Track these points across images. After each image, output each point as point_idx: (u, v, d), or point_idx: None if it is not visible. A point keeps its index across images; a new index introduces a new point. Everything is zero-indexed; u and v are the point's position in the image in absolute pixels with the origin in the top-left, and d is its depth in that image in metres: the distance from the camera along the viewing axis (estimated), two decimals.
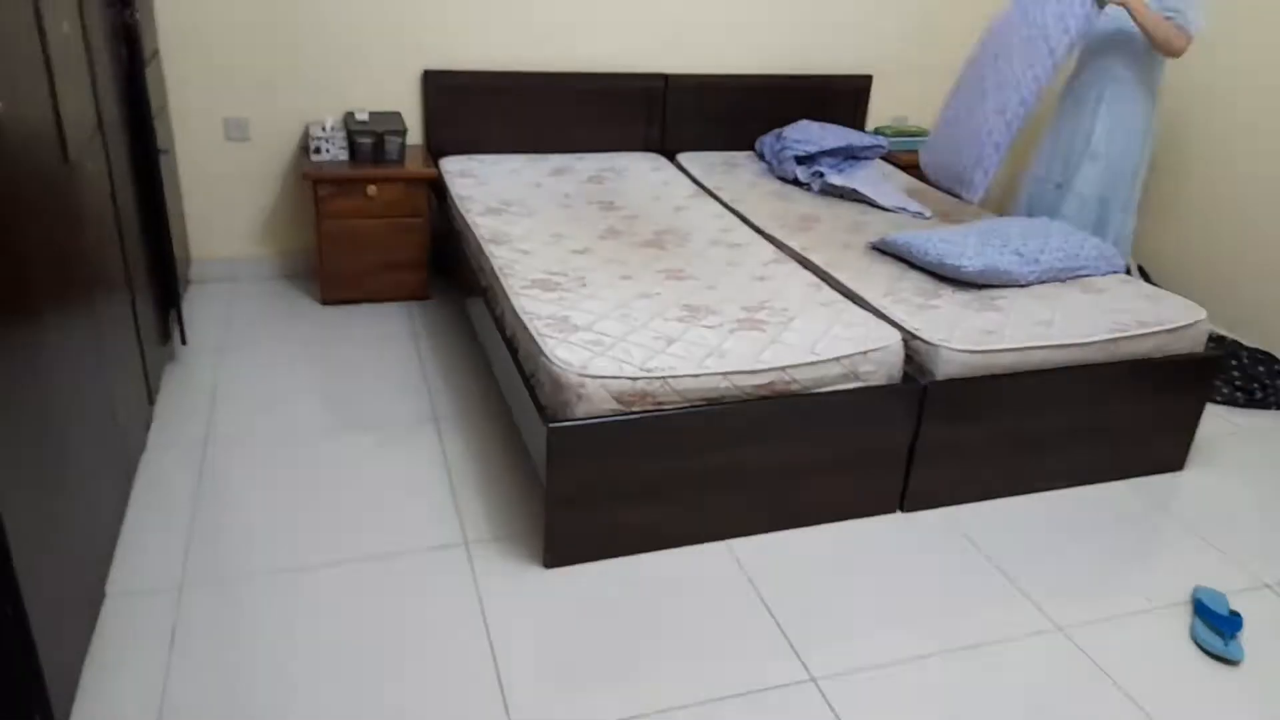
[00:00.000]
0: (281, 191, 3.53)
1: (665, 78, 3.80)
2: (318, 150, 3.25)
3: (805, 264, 2.82)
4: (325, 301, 3.40)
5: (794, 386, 2.22)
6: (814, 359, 2.22)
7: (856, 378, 2.29)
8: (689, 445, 2.14)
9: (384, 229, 3.32)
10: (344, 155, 3.29)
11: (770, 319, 2.37)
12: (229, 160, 3.42)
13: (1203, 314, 2.57)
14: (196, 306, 3.30)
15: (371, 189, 3.24)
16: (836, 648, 1.97)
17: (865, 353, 2.28)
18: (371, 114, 3.42)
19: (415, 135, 3.59)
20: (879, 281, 2.65)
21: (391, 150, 3.29)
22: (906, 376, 2.36)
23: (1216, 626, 2.05)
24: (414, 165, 3.33)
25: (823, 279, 2.70)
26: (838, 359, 2.25)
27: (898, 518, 2.43)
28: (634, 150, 3.85)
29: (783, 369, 2.20)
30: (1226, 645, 2.01)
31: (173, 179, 3.14)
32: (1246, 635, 2.07)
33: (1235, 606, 2.14)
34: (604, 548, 2.18)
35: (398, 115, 3.47)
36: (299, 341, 3.12)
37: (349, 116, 3.39)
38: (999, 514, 2.46)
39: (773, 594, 2.11)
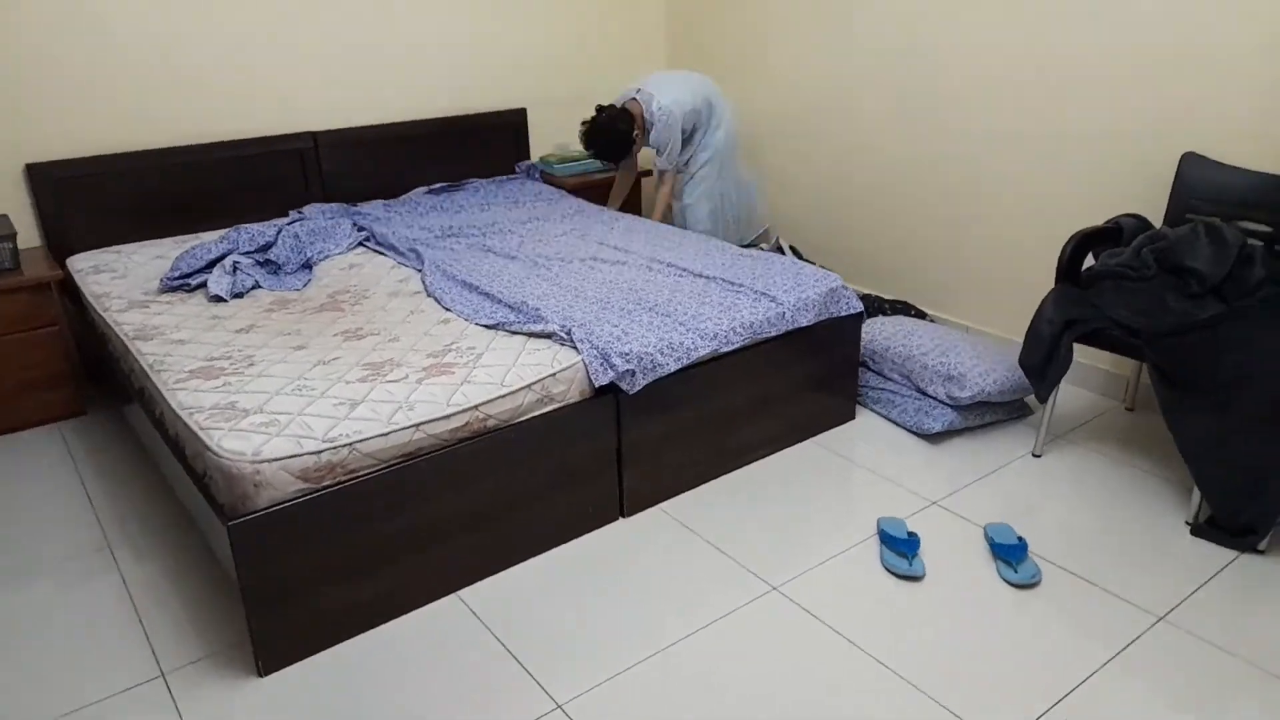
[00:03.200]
0: None
1: (314, 135, 3.67)
2: None
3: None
4: None
5: (490, 422, 2.22)
6: (505, 390, 2.23)
7: (551, 400, 2.33)
8: (391, 507, 2.06)
9: (9, 346, 2.90)
10: None
11: (458, 360, 2.34)
12: None
13: (838, 278, 2.89)
14: None
15: None
16: (582, 668, 1.98)
17: (555, 374, 2.33)
18: None
19: (31, 237, 3.18)
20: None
21: (1, 258, 2.89)
22: (600, 389, 2.42)
23: (899, 550, 2.31)
24: (34, 270, 2.95)
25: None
26: (529, 385, 2.27)
27: (620, 524, 2.50)
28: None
29: (475, 408, 2.18)
30: (910, 564, 2.27)
31: None
32: (924, 550, 2.35)
33: (912, 528, 2.43)
34: (324, 637, 2.04)
35: (4, 218, 3.06)
36: None
37: None
38: (710, 496, 2.61)
39: (511, 634, 2.08)
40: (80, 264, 3.11)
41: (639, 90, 3.67)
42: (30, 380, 2.97)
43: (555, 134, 4.39)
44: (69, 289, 3.09)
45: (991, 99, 3.27)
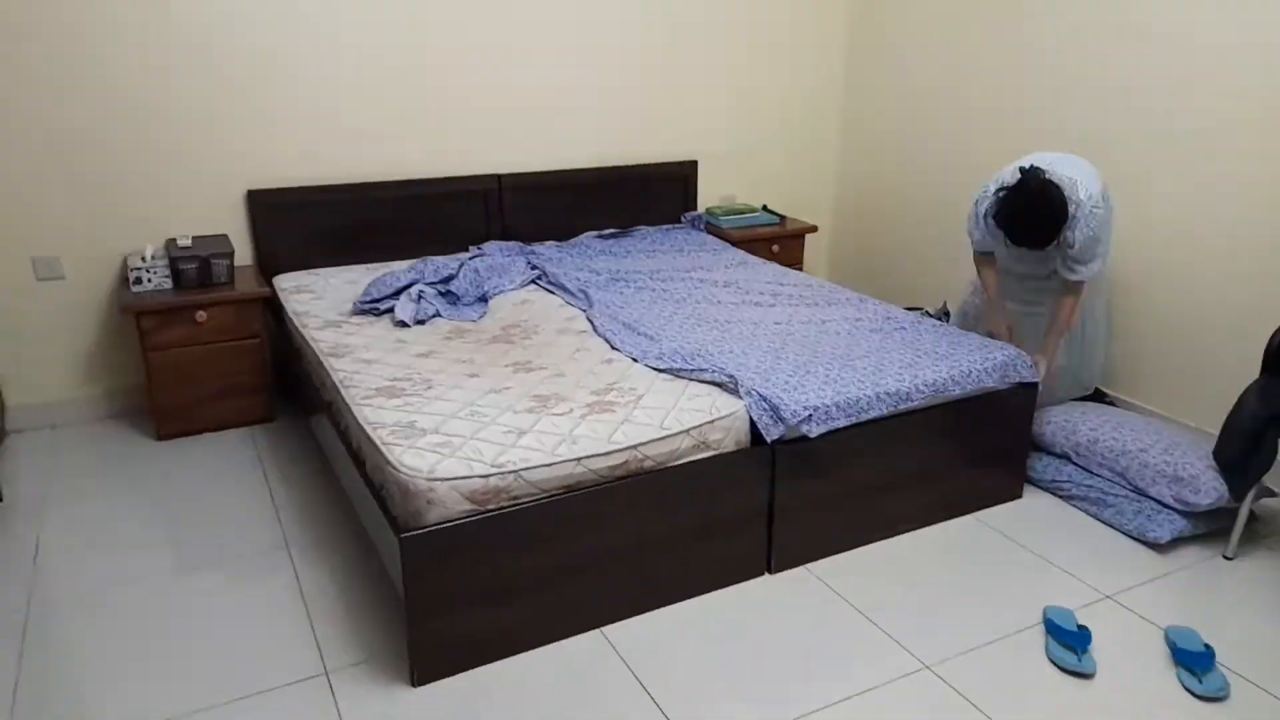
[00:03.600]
0: (104, 327, 3.35)
1: (498, 177, 3.88)
2: (138, 281, 3.12)
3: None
4: (160, 437, 3.22)
5: (647, 463, 2.25)
6: (663, 433, 2.26)
7: (707, 446, 2.34)
8: (549, 536, 2.11)
9: (217, 354, 3.19)
10: (168, 283, 3.17)
11: (619, 400, 2.40)
12: (42, 300, 3.24)
13: (1012, 348, 2.77)
14: (15, 458, 3.05)
15: (201, 315, 3.12)
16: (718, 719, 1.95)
17: (713, 421, 2.34)
18: (195, 238, 3.32)
19: (245, 256, 3.50)
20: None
21: (219, 273, 3.19)
22: (757, 439, 2.42)
23: (1068, 643, 2.16)
24: (245, 286, 3.24)
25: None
26: (687, 430, 2.29)
27: (766, 580, 2.46)
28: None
29: (634, 447, 2.22)
30: (1080, 660, 2.12)
31: None
32: (1096, 646, 2.19)
33: (1082, 621, 2.27)
34: (474, 656, 2.10)
35: (224, 238, 3.39)
36: (133, 482, 2.93)
37: (170, 243, 3.28)
38: (861, 562, 2.53)
39: (651, 676, 2.08)
40: (285, 283, 3.40)
41: (1036, 168, 2.75)
42: (231, 386, 3.25)
43: (721, 186, 4.46)
44: (271, 306, 3.37)
45: (1199, 168, 3.07)
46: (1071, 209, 2.68)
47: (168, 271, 3.16)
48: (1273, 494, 2.77)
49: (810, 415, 2.39)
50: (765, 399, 2.39)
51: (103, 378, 3.40)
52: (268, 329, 3.31)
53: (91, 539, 2.60)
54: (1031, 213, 2.70)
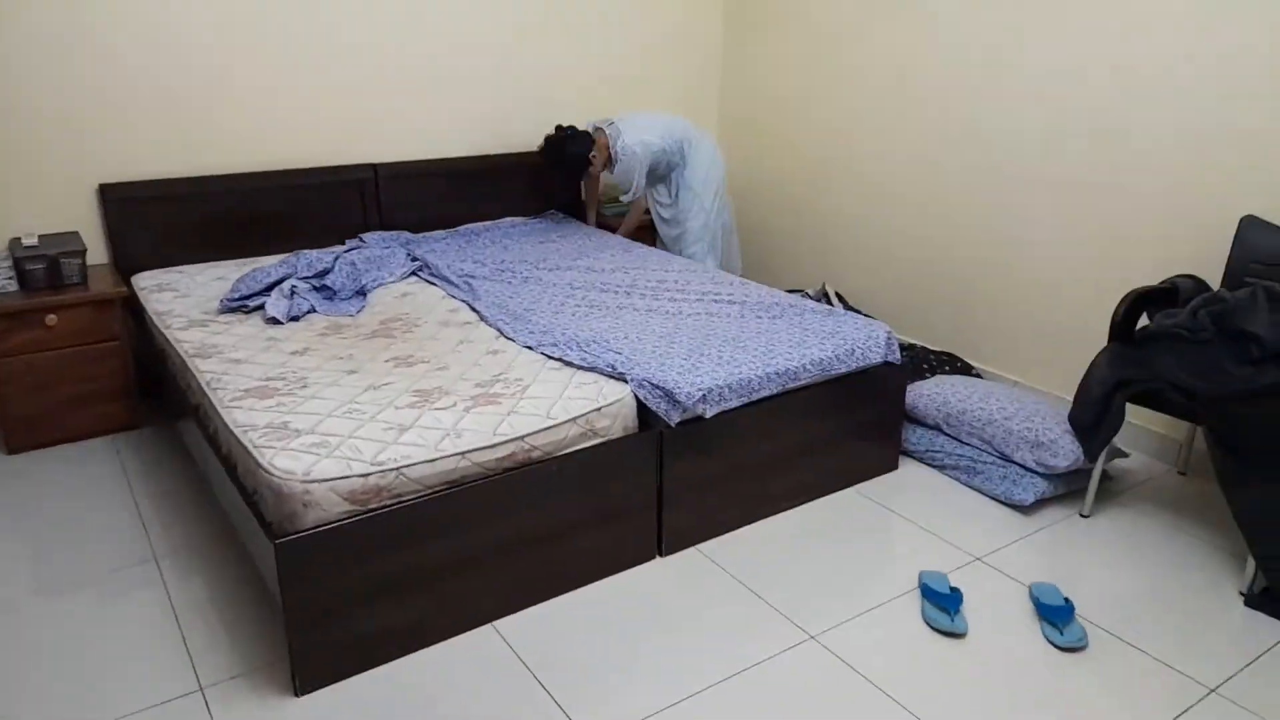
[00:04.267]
0: None
1: (375, 167, 3.77)
2: None
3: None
4: (12, 450, 3.00)
5: (535, 454, 2.23)
6: (550, 423, 2.25)
7: (595, 434, 2.34)
8: (434, 533, 2.07)
9: (72, 359, 2.99)
10: (13, 285, 2.95)
11: (505, 391, 2.37)
12: None
13: (885, 327, 2.88)
14: None
15: (51, 318, 2.92)
16: (615, 706, 1.96)
17: (600, 409, 2.34)
18: (41, 237, 3.10)
19: (99, 254, 3.29)
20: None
21: (69, 273, 2.99)
22: (645, 424, 2.44)
23: (942, 605, 2.27)
24: (100, 285, 3.05)
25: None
26: (574, 419, 2.29)
27: (658, 563, 2.49)
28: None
29: (521, 438, 2.20)
30: (952, 620, 2.23)
31: None
32: (968, 606, 2.30)
33: (955, 583, 2.38)
34: (360, 660, 2.05)
35: (74, 235, 3.17)
36: None
37: (14, 242, 3.05)
38: (748, 540, 2.59)
39: (544, 667, 2.08)
40: (144, 282, 3.21)
41: (610, 124, 3.87)
42: (89, 393, 3.05)
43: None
44: (131, 306, 3.18)
45: (1049, 149, 3.26)
46: (614, 152, 3.83)
47: (11, 272, 2.95)
48: (1123, 454, 2.97)
49: (704, 396, 2.42)
50: (658, 385, 2.41)
51: None
52: (128, 331, 3.12)
53: None
54: (554, 153, 3.90)
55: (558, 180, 4.21)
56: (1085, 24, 3.07)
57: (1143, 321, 2.72)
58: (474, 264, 3.50)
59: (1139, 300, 2.68)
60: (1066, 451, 2.73)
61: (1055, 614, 2.23)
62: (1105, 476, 2.91)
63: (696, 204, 3.96)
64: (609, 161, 3.89)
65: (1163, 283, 2.74)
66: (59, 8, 3.04)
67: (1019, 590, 2.39)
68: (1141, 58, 2.94)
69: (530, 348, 2.66)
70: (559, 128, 3.91)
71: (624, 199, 4.03)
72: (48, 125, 3.11)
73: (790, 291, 3.74)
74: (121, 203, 3.27)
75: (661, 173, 3.98)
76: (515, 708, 1.96)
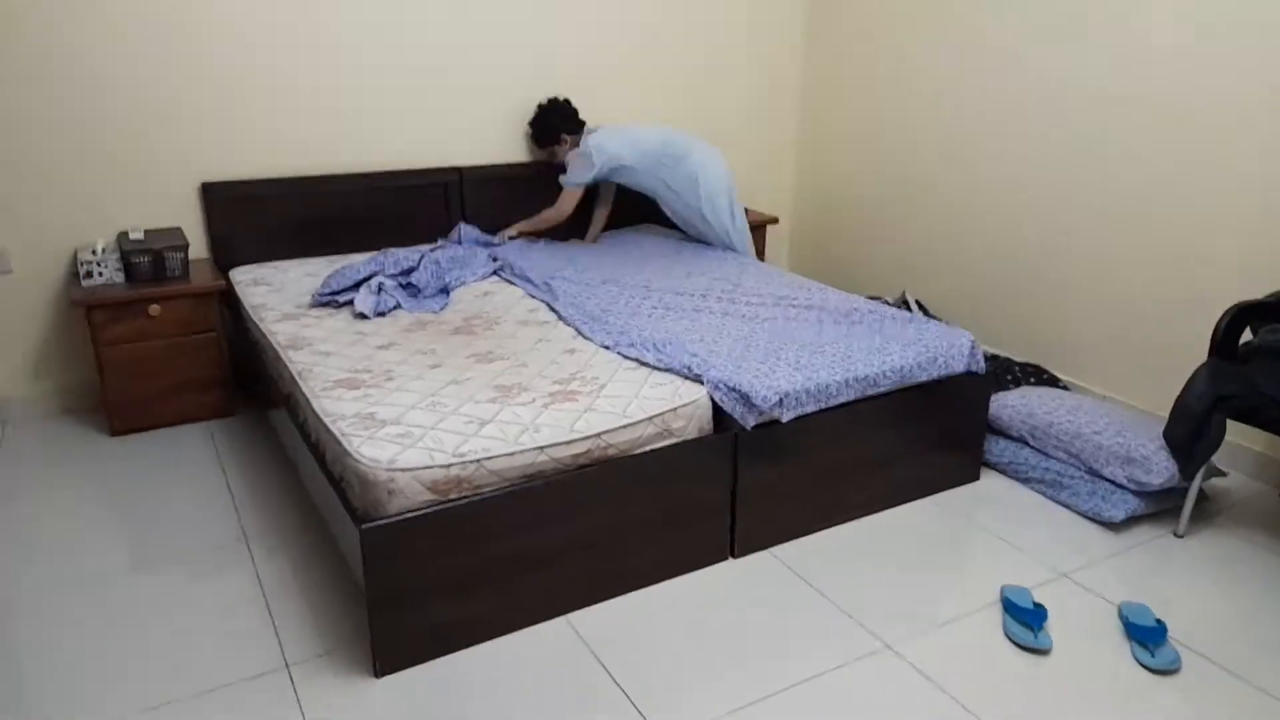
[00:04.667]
0: (54, 322, 3.28)
1: (459, 170, 3.85)
2: (89, 275, 3.05)
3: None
4: (115, 433, 3.15)
5: (610, 451, 2.25)
6: (626, 421, 2.26)
7: (670, 434, 2.35)
8: (512, 525, 2.11)
9: (172, 349, 3.13)
10: (120, 277, 3.11)
11: (582, 389, 2.40)
12: None
13: (969, 335, 2.81)
14: None
15: (154, 308, 3.06)
16: (686, 704, 1.96)
17: (675, 409, 2.35)
18: (148, 231, 3.26)
19: (200, 249, 3.44)
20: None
21: (173, 266, 3.14)
22: (720, 426, 2.43)
23: (1024, 620, 2.20)
24: (200, 279, 3.19)
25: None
26: (649, 418, 2.30)
27: (730, 564, 2.48)
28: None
29: (597, 435, 2.22)
30: (1036, 637, 2.16)
31: None
32: (1052, 623, 2.23)
33: (1038, 599, 2.31)
34: (437, 646, 2.09)
35: (177, 230, 3.33)
36: (87, 479, 2.87)
37: (122, 236, 3.21)
38: (822, 545, 2.56)
39: (617, 662, 2.09)
40: (241, 276, 3.35)
41: (597, 129, 3.79)
42: (188, 381, 3.19)
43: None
44: (228, 299, 3.32)
45: (1148, 152, 3.14)
46: (583, 143, 3.74)
47: (119, 265, 3.10)
48: (1221, 474, 2.84)
49: (780, 400, 2.41)
50: (734, 388, 2.40)
51: (53, 373, 3.33)
52: (224, 323, 3.26)
53: (44, 538, 2.55)
54: (538, 118, 3.90)
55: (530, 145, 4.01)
56: (1166, 41, 2.96)
57: (1246, 337, 2.60)
58: (553, 264, 3.54)
59: (1243, 313, 2.56)
60: (1161, 468, 2.62)
61: (1147, 635, 2.15)
62: (1202, 496, 2.79)
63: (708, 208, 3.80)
64: (572, 148, 3.79)
65: (1269, 296, 2.61)
66: (167, 13, 3.19)
67: (1108, 609, 2.30)
68: (1230, 58, 2.82)
69: (607, 347, 2.68)
70: (554, 99, 3.87)
71: (563, 180, 3.76)
72: (155, 126, 3.27)
73: (870, 299, 3.69)
74: (222, 201, 3.42)
75: (610, 178, 3.82)
76: (586, 700, 1.97)
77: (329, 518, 2.36)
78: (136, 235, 3.20)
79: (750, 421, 2.38)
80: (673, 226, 4.16)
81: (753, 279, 3.37)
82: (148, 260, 3.10)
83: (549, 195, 4.12)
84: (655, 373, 2.50)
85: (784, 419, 2.42)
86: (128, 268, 3.10)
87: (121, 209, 3.29)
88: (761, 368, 2.51)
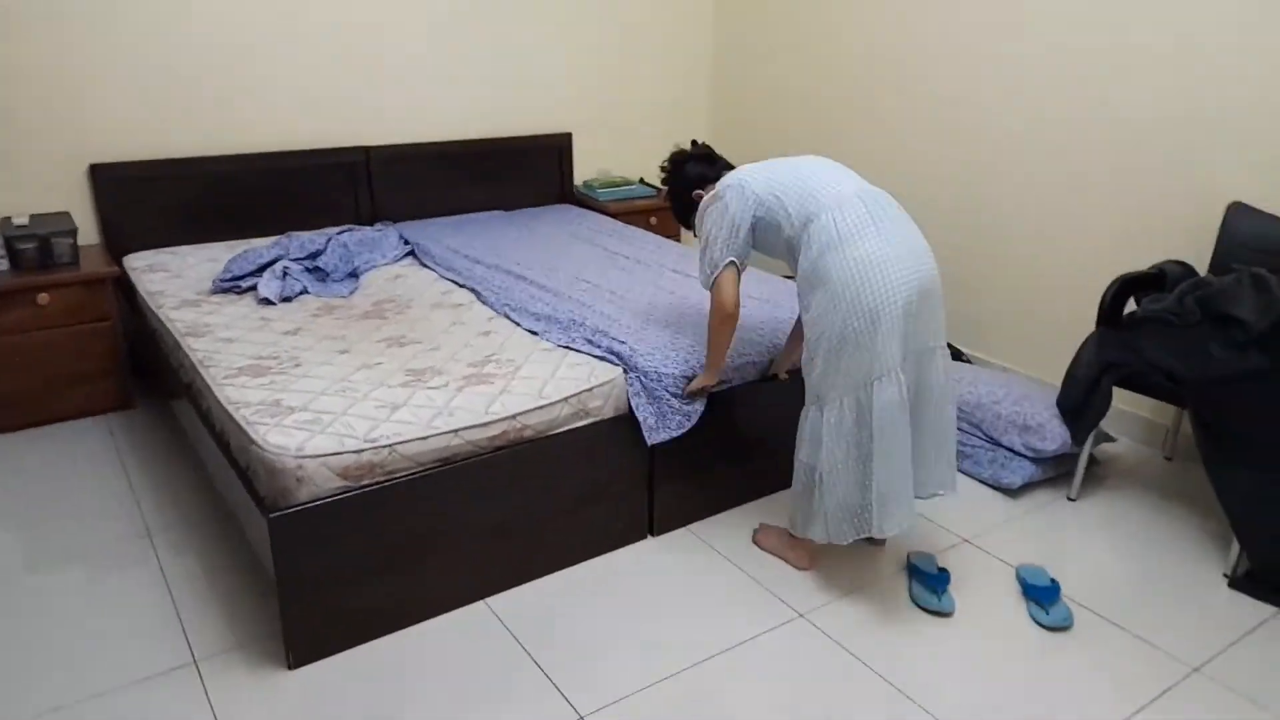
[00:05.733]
0: None
1: (366, 150, 3.76)
2: None
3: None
4: (4, 429, 2.99)
5: (527, 433, 2.24)
6: (542, 402, 2.26)
7: (587, 414, 2.35)
8: (426, 510, 2.09)
9: (64, 339, 2.99)
10: (4, 264, 2.94)
11: (497, 371, 2.38)
12: None
13: None
14: None
15: (42, 297, 2.91)
16: (604, 682, 1.98)
17: (591, 389, 2.36)
18: (32, 216, 3.09)
19: (91, 234, 3.28)
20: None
21: (61, 253, 2.99)
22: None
23: (930, 585, 2.29)
24: (91, 265, 3.04)
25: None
26: (566, 399, 2.30)
27: (649, 543, 2.50)
28: (344, 225, 3.75)
29: (513, 417, 2.21)
30: (940, 600, 2.25)
31: None
32: (955, 586, 2.33)
33: (942, 564, 2.41)
34: (353, 634, 2.06)
35: (65, 215, 3.16)
36: None
37: (4, 222, 3.04)
38: (739, 520, 2.61)
39: (537, 643, 2.09)
40: (136, 263, 3.21)
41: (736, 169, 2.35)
42: (82, 372, 3.05)
43: (596, 160, 4.46)
44: (123, 287, 3.17)
45: (1037, 134, 3.28)
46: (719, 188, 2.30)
47: (2, 252, 2.94)
48: (1111, 439, 3.00)
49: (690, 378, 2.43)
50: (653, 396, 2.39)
51: None
52: (119, 311, 3.12)
53: None
54: (672, 167, 2.50)
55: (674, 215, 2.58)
56: (1070, 9, 3.09)
57: (1130, 307, 2.74)
58: (466, 243, 3.49)
59: (1126, 285, 2.70)
60: (1054, 435, 2.75)
61: (1041, 594, 2.26)
62: (1093, 461, 2.94)
63: (808, 324, 2.20)
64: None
65: (1150, 268, 2.76)
66: None
67: (1006, 571, 2.41)
68: (1127, 39, 2.96)
69: (535, 334, 2.64)
70: (694, 144, 2.54)
71: (702, 266, 2.31)
72: (39, 104, 3.10)
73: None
74: (113, 183, 3.26)
75: (775, 247, 2.29)
76: (508, 683, 1.98)
77: (236, 509, 2.29)
78: (21, 220, 3.03)
79: (658, 438, 2.38)
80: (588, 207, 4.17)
81: (675, 258, 3.38)
82: (34, 247, 2.94)
83: (465, 176, 4.04)
84: (571, 353, 2.50)
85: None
86: (12, 255, 2.94)
87: (3, 193, 3.11)
88: (666, 340, 2.51)
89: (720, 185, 2.28)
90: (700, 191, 2.40)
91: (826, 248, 2.11)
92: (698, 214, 2.36)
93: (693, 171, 2.44)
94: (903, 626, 2.19)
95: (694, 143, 2.54)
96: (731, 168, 2.40)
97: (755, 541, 2.50)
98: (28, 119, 3.09)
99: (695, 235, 2.39)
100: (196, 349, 2.49)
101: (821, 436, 2.18)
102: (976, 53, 3.43)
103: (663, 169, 2.53)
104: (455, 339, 2.61)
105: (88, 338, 3.03)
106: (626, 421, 2.39)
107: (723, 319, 2.27)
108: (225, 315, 2.76)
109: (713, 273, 2.25)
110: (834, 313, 2.10)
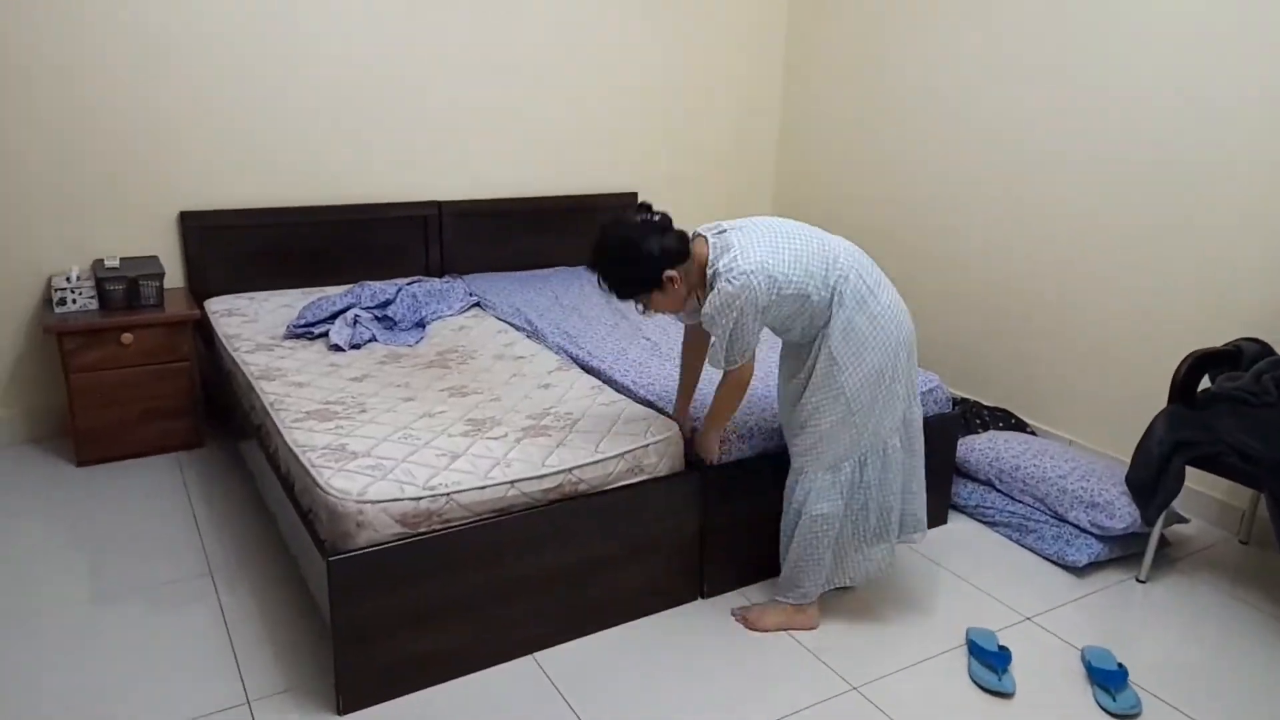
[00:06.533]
0: (25, 349, 3.25)
1: (438, 204, 3.88)
2: (62, 301, 3.04)
3: (587, 369, 2.91)
4: (81, 462, 3.12)
5: (581, 487, 2.26)
6: (598, 456, 2.28)
7: (642, 470, 2.36)
8: (481, 560, 2.10)
9: (143, 377, 3.11)
10: (94, 304, 3.09)
11: (555, 424, 2.41)
12: None
13: (935, 378, 2.86)
14: None
15: (126, 337, 3.05)
16: None
17: (647, 445, 2.37)
18: (124, 259, 3.26)
19: (176, 278, 3.44)
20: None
21: (147, 295, 3.13)
22: (691, 464, 2.45)
23: (989, 663, 2.22)
24: (175, 308, 3.18)
25: (605, 382, 2.79)
26: (621, 454, 2.31)
27: (699, 605, 2.48)
28: (414, 276, 3.87)
29: (569, 470, 2.23)
30: (1000, 679, 2.17)
31: None
32: (1016, 666, 2.25)
33: (1003, 642, 2.33)
34: (403, 683, 2.07)
35: (154, 259, 3.32)
36: (50, 509, 2.83)
37: (98, 264, 3.20)
38: None
39: (583, 702, 2.08)
40: (216, 306, 3.34)
41: (720, 231, 2.21)
42: (157, 410, 3.17)
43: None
44: (202, 329, 3.31)
45: (1112, 204, 3.23)
46: (714, 269, 2.14)
47: (94, 292, 3.09)
48: (1183, 520, 2.89)
49: (741, 435, 2.43)
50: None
51: (22, 399, 3.29)
52: (197, 353, 3.24)
53: (3, 568, 2.50)
54: (604, 253, 2.18)
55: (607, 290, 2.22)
56: (1149, 75, 3.07)
57: (1204, 385, 2.67)
58: (535, 297, 3.56)
59: (1201, 361, 2.63)
60: (1123, 513, 2.67)
61: (1108, 679, 2.17)
62: (1163, 542, 2.83)
63: (833, 385, 2.21)
64: (699, 287, 2.19)
65: (1226, 345, 2.69)
66: (150, 40, 3.22)
67: (1070, 653, 2.32)
68: (1206, 98, 2.92)
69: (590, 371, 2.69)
70: (640, 206, 2.23)
71: (710, 362, 2.24)
72: (135, 153, 3.28)
73: None
74: (199, 230, 3.42)
75: (790, 332, 2.28)
76: None
77: (296, 550, 2.34)
78: (112, 262, 3.19)
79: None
80: None
81: None
82: (122, 288, 3.09)
83: (534, 231, 4.13)
84: (629, 408, 2.52)
85: (749, 451, 2.46)
86: (102, 295, 3.09)
87: (98, 236, 3.29)
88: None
89: (738, 274, 2.09)
90: (673, 273, 2.12)
91: (860, 304, 2.23)
92: (710, 304, 2.12)
93: (662, 247, 2.12)
94: (960, 705, 2.12)
95: (644, 206, 2.21)
96: (684, 233, 2.19)
97: (752, 627, 2.40)
98: (124, 168, 3.27)
99: (645, 311, 2.24)
100: (268, 392, 2.57)
101: (827, 492, 2.32)
102: (1051, 128, 3.41)
103: (606, 250, 2.16)
104: (516, 391, 2.65)
105: (166, 377, 3.15)
106: (680, 479, 2.39)
107: (742, 392, 2.29)
108: (297, 360, 2.85)
109: (740, 360, 2.19)
110: (860, 366, 2.23)
